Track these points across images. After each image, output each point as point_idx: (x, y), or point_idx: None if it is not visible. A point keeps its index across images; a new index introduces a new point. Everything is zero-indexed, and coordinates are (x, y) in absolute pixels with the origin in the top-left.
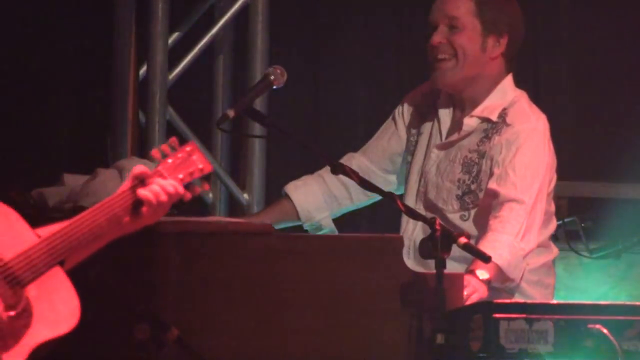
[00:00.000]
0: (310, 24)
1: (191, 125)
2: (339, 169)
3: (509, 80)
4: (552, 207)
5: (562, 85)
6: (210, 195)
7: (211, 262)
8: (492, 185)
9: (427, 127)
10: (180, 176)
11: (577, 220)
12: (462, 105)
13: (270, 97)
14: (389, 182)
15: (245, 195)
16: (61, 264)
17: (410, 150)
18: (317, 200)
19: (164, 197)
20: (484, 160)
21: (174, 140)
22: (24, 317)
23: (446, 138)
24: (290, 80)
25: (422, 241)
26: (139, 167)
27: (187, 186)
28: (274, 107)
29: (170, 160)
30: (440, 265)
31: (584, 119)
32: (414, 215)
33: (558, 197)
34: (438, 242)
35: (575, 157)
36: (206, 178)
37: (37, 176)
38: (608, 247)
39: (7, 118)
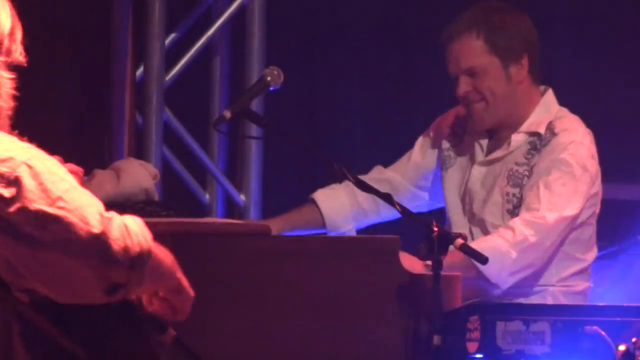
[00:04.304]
0: (307, 25)
1: (188, 126)
2: (337, 171)
3: (550, 95)
4: (587, 235)
5: (559, 88)
6: (207, 196)
7: (207, 263)
8: (524, 191)
9: (463, 145)
10: None
11: None
12: (503, 125)
13: (267, 98)
14: (420, 198)
15: (242, 197)
16: None
17: (444, 167)
18: (345, 210)
19: None
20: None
21: None
22: None
23: (488, 155)
24: (287, 81)
25: (420, 243)
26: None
27: None
28: (271, 108)
29: None
30: (437, 266)
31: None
32: (410, 216)
33: None
34: (435, 243)
35: None
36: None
37: None
38: (604, 248)
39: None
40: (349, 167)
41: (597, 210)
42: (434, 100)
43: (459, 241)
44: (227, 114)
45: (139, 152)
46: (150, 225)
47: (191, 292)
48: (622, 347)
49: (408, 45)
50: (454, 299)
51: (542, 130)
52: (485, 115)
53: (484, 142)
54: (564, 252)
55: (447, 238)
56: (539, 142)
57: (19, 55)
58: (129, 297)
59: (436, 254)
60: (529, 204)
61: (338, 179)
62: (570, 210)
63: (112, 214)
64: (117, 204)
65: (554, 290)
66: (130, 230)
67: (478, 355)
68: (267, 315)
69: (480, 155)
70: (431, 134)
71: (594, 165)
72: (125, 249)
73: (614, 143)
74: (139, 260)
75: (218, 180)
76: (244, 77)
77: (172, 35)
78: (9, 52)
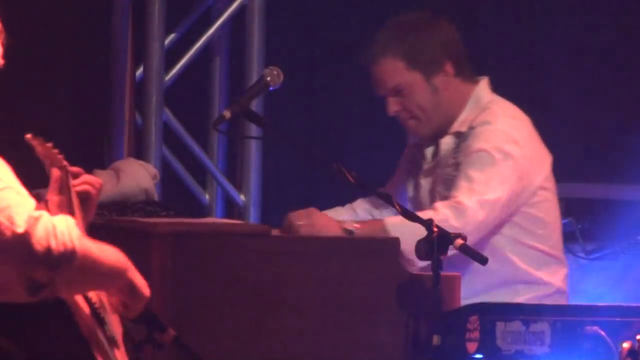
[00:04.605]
0: (306, 25)
1: (188, 127)
2: (336, 171)
3: (481, 87)
4: (533, 221)
5: (558, 87)
6: (207, 196)
7: (208, 264)
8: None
9: (417, 158)
10: None
11: (574, 222)
12: (442, 130)
13: (266, 98)
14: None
15: (242, 197)
16: None
17: (409, 179)
18: None
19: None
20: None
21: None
22: None
23: (430, 163)
24: (286, 81)
25: (419, 242)
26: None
27: None
28: (271, 108)
29: None
30: (437, 266)
31: (580, 120)
32: (409, 216)
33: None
34: (435, 244)
35: (571, 158)
36: None
37: (34, 177)
38: (605, 249)
39: (4, 119)
40: (349, 167)
41: (538, 199)
42: None
43: (459, 241)
44: (227, 114)
45: (139, 152)
46: (150, 226)
47: (146, 293)
48: (626, 345)
49: None
50: (454, 299)
51: (464, 129)
52: (420, 129)
53: (429, 150)
54: (515, 240)
55: (446, 238)
56: (460, 140)
57: None
58: (58, 296)
59: (435, 254)
60: (450, 194)
61: (337, 178)
62: (492, 194)
63: (42, 212)
64: (116, 204)
65: (525, 300)
66: (57, 230)
67: (478, 356)
68: (267, 315)
69: (425, 165)
70: (407, 147)
71: (517, 150)
72: (48, 249)
73: (614, 143)
74: (62, 260)
75: (218, 180)
76: (244, 77)
77: (172, 35)
78: None
